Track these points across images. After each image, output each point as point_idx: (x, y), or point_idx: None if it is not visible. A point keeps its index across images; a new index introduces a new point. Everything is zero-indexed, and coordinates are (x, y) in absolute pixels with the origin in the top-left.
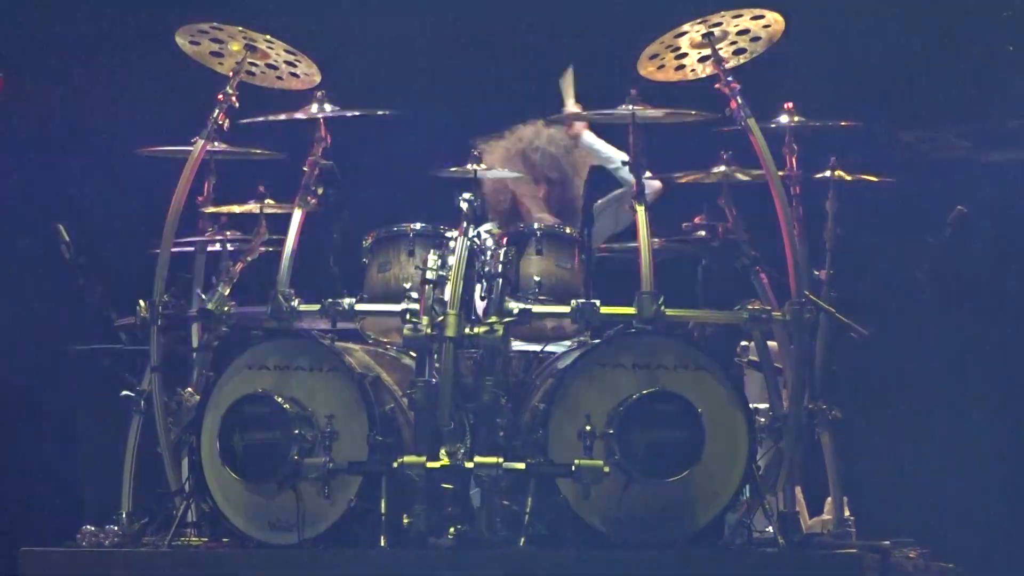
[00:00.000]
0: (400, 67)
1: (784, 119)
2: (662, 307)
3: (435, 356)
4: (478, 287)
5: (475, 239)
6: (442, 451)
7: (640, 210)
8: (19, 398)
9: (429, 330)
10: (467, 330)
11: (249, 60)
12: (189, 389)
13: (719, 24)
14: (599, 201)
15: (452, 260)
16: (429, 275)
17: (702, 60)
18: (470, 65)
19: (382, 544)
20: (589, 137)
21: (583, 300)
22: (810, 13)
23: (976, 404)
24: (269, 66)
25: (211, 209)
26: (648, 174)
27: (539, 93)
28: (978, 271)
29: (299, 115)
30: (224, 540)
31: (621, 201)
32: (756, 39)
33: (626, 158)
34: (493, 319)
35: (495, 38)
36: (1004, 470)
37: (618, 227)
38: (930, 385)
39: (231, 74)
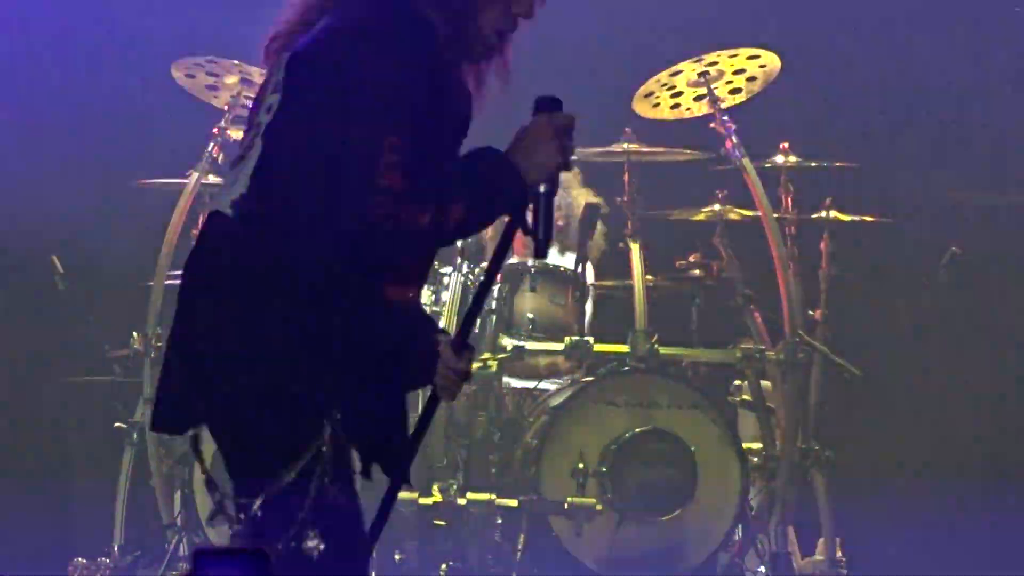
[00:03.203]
0: None
1: (779, 159)
2: (656, 345)
3: (427, 391)
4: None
5: (468, 276)
6: (434, 487)
7: (635, 247)
8: (13, 427)
9: None
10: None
11: (244, 94)
12: None
13: (715, 63)
14: None
15: (445, 296)
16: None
17: (698, 99)
18: None
19: None
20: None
21: (577, 337)
22: (807, 52)
23: (969, 442)
24: None
25: None
26: (586, 192)
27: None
28: (974, 312)
29: None
30: None
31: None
32: (752, 79)
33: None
34: (487, 355)
35: None
36: (997, 511)
37: None
38: (930, 420)
39: (226, 107)
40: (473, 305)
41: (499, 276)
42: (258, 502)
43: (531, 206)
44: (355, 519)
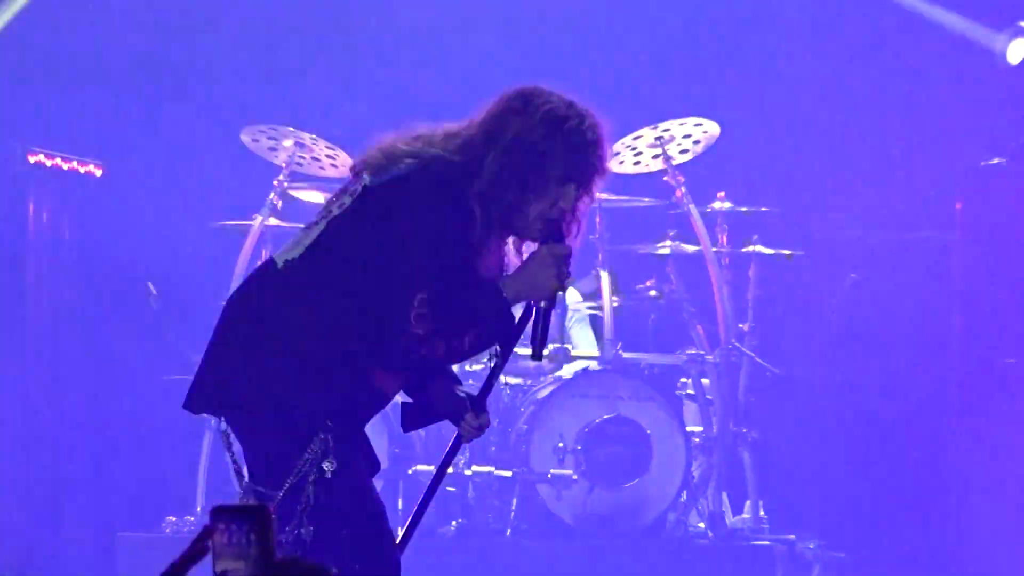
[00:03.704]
0: None
1: (717, 205)
2: (620, 351)
3: None
4: None
5: None
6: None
7: (604, 275)
8: (120, 415)
9: None
10: (466, 366)
11: (298, 155)
12: None
13: (668, 130)
14: None
15: None
16: None
17: (654, 157)
18: None
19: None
20: None
21: (558, 345)
22: (740, 119)
23: (864, 426)
24: (314, 159)
25: None
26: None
27: None
28: (868, 324)
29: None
30: None
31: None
32: (697, 141)
33: None
34: (486, 358)
35: None
36: (886, 479)
37: None
38: (833, 409)
39: (284, 164)
40: (487, 381)
41: None
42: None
43: (531, 322)
44: (360, 511)
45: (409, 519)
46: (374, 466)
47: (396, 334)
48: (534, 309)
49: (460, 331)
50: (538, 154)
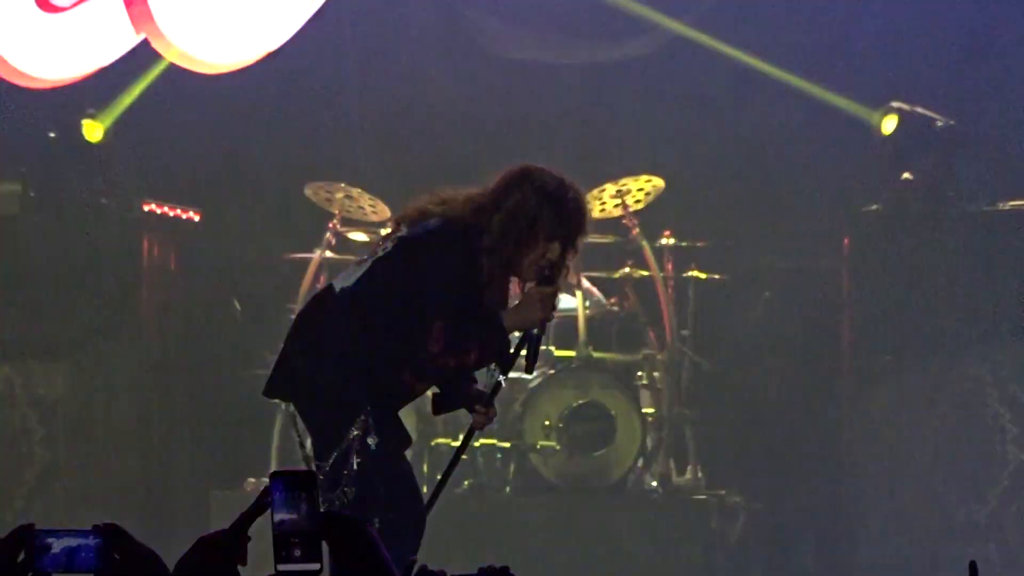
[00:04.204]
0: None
1: (664, 241)
2: (591, 351)
3: None
4: None
5: None
6: (460, 435)
7: (579, 293)
8: (212, 400)
9: None
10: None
11: (347, 204)
12: None
13: (626, 184)
14: None
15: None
16: None
17: (616, 206)
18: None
19: (424, 491)
20: None
21: (544, 347)
22: (683, 174)
23: (775, 408)
24: (359, 207)
25: None
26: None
27: None
28: (780, 330)
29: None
30: None
31: None
32: (648, 193)
33: None
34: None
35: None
36: (792, 448)
37: None
38: (753, 395)
39: (337, 211)
40: (493, 388)
41: None
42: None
43: (526, 344)
44: (393, 475)
45: (435, 487)
46: (405, 441)
47: (417, 350)
48: (529, 335)
49: (467, 349)
50: (531, 219)
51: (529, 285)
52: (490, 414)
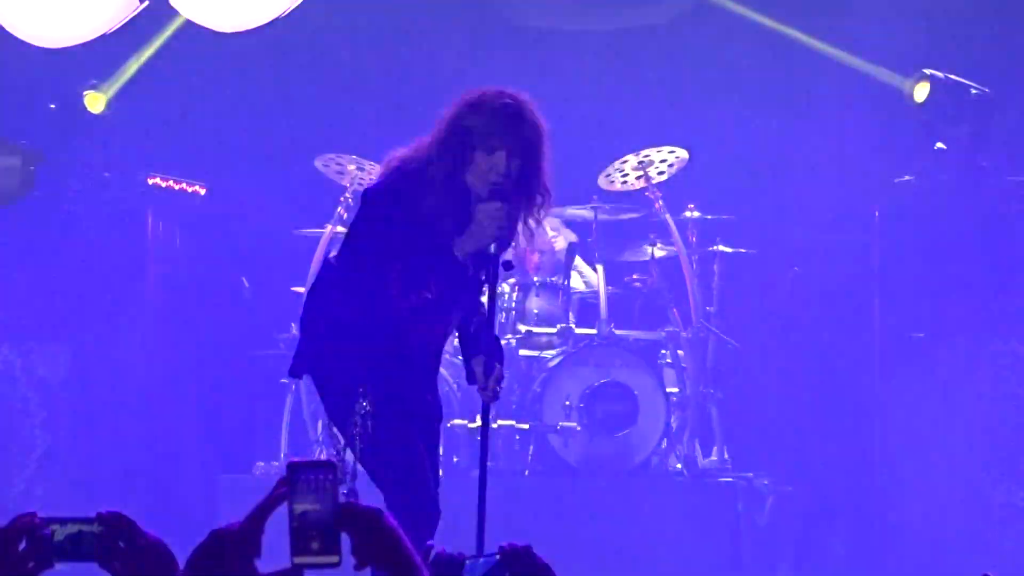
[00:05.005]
0: None
1: (688, 214)
2: (613, 329)
3: None
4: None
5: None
6: (478, 416)
7: (600, 268)
8: (219, 380)
9: None
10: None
11: (359, 176)
12: None
13: (648, 155)
14: None
15: (483, 299)
16: None
17: (638, 178)
18: None
19: (440, 474)
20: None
21: (564, 324)
22: (707, 145)
23: (805, 386)
24: (371, 180)
25: None
26: (567, 233)
27: None
28: (807, 306)
29: None
30: None
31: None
32: (671, 164)
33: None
34: (508, 336)
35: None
36: (822, 428)
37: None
38: (780, 374)
39: (348, 184)
40: (485, 335)
41: (515, 287)
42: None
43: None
44: (400, 447)
45: (479, 475)
46: (406, 418)
47: (383, 295)
48: (485, 256)
49: (423, 286)
50: (460, 132)
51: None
52: (490, 385)
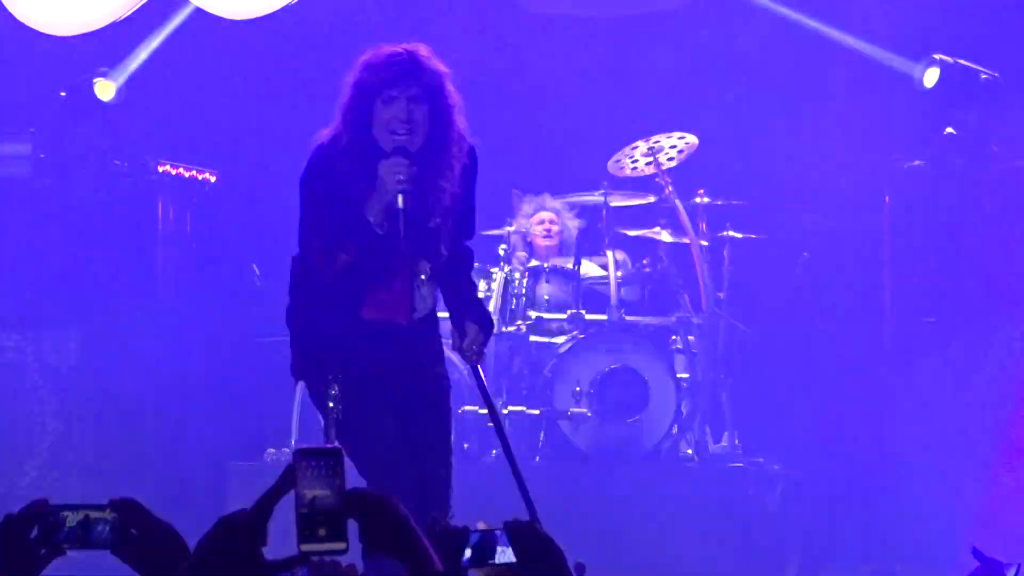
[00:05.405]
0: None
1: (697, 200)
2: (623, 314)
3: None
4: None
5: (508, 272)
6: (499, 402)
7: (610, 254)
8: (229, 367)
9: None
10: (503, 328)
11: None
12: None
13: (658, 142)
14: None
15: (494, 285)
16: (480, 295)
17: (648, 164)
18: (492, 163)
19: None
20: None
21: (574, 310)
22: (715, 132)
23: (815, 371)
24: None
25: None
26: (578, 221)
27: (539, 182)
28: (817, 290)
29: None
30: None
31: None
32: (681, 151)
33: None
34: (519, 322)
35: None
36: (832, 413)
37: None
38: (791, 359)
39: None
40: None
41: (526, 274)
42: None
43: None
44: (363, 427)
45: (510, 466)
46: (372, 405)
47: (325, 276)
48: (395, 209)
49: (340, 247)
50: (354, 87)
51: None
52: (467, 345)
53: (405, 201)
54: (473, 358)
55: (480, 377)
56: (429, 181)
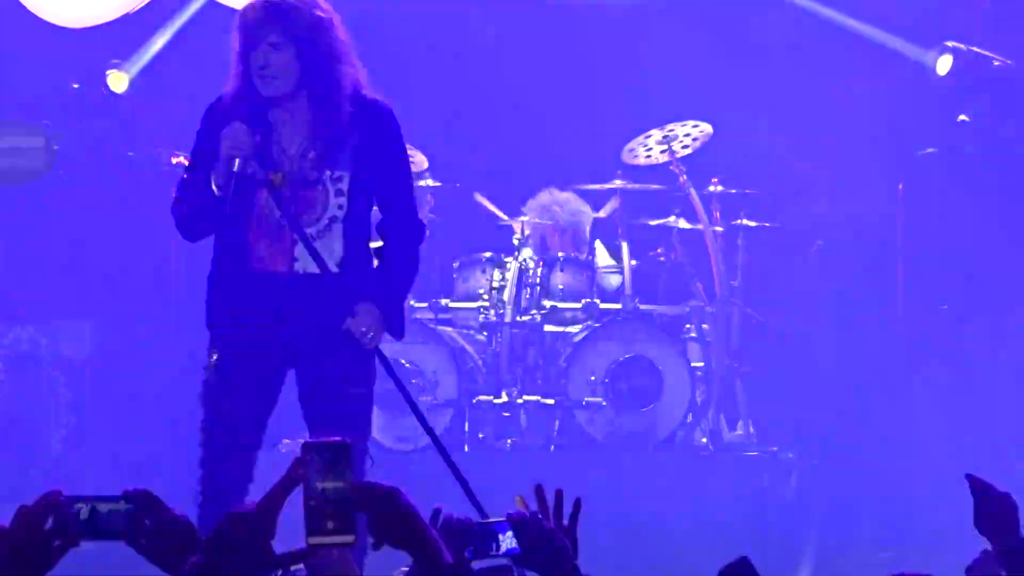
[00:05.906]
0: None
1: (712, 188)
2: (638, 303)
3: (498, 334)
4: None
5: (522, 262)
6: (503, 392)
7: (624, 244)
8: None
9: (494, 318)
10: (517, 318)
11: None
12: None
13: (672, 130)
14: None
15: (508, 275)
16: (495, 284)
17: (662, 152)
18: (506, 153)
19: (465, 450)
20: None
21: (588, 300)
22: (729, 120)
23: (829, 359)
24: None
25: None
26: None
27: (553, 172)
28: (832, 279)
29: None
30: None
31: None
32: (695, 139)
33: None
34: (534, 311)
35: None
36: (847, 400)
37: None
38: (805, 347)
39: None
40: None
41: (540, 263)
42: None
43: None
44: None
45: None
46: (291, 351)
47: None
48: (230, 171)
49: (223, 204)
50: (232, 41)
51: None
52: (352, 326)
53: (241, 165)
54: (364, 341)
55: (387, 362)
56: (313, 130)
